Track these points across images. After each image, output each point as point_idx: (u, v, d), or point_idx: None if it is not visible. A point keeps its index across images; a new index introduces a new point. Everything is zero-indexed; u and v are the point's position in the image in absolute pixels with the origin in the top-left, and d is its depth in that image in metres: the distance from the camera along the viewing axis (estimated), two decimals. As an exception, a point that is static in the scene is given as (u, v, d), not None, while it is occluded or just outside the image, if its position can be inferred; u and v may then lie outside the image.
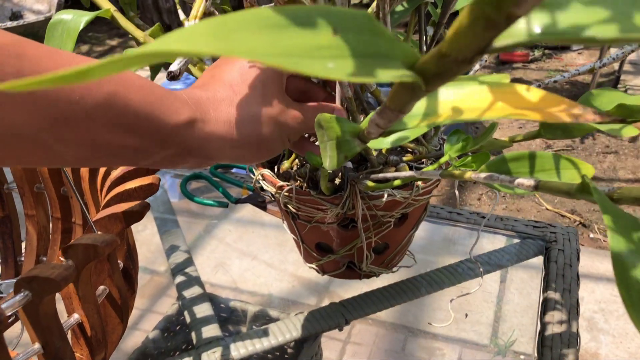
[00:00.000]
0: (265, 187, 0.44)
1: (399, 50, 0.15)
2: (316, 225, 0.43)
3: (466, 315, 1.12)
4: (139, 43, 0.43)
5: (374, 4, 0.37)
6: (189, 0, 0.36)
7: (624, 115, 0.28)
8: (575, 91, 2.27)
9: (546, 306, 0.45)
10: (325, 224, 0.43)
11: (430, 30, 0.45)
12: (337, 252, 0.45)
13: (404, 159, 0.42)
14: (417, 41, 0.43)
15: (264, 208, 0.59)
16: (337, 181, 0.42)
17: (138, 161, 0.26)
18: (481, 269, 0.48)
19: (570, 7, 0.13)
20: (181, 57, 0.32)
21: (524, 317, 1.20)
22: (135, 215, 0.33)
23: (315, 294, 1.25)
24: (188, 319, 0.48)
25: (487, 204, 1.64)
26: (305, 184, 0.42)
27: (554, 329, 0.42)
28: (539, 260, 0.55)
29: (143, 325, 1.14)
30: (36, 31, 2.37)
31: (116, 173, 0.38)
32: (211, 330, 0.46)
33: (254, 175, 0.44)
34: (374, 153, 0.42)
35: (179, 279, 0.53)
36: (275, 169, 0.46)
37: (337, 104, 0.35)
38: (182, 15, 0.47)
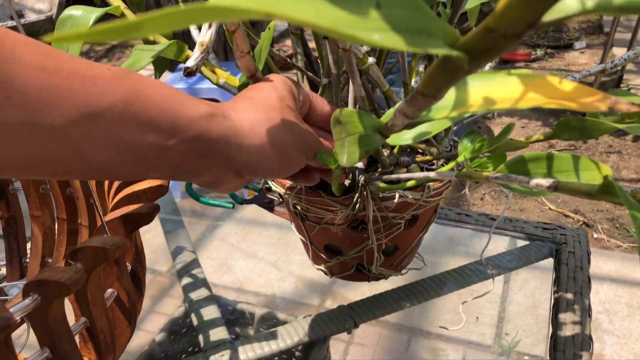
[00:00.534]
0: (274, 188, 0.43)
1: (440, 28, 0.14)
2: (325, 226, 0.43)
3: (477, 318, 1.11)
4: (147, 41, 0.43)
5: None
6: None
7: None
8: (578, 91, 2.26)
9: (558, 309, 0.44)
10: (335, 226, 0.42)
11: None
12: (346, 254, 0.45)
13: (415, 160, 0.42)
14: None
15: (270, 209, 0.58)
16: (347, 182, 0.41)
17: (162, 163, 0.25)
18: (493, 272, 0.48)
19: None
20: (200, 51, 0.31)
21: (527, 318, 1.20)
22: (145, 217, 0.32)
23: (319, 294, 1.24)
24: (195, 322, 0.47)
25: (490, 203, 1.64)
26: (314, 185, 0.42)
27: (566, 332, 0.41)
28: (543, 261, 0.54)
29: (145, 326, 1.14)
30: (37, 30, 2.36)
31: (124, 174, 0.37)
32: (219, 333, 0.46)
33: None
34: (385, 154, 0.42)
35: (185, 280, 0.53)
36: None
37: (350, 103, 0.34)
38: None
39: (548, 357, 0.41)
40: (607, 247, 1.44)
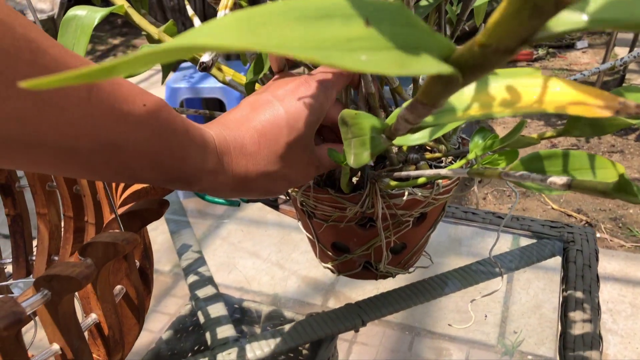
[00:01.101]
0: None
1: (434, 42, 0.14)
2: (333, 224, 0.43)
3: (485, 316, 1.11)
4: (151, 40, 0.42)
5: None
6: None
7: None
8: (580, 91, 2.26)
9: (566, 307, 0.44)
10: (343, 223, 0.42)
11: (447, 28, 0.44)
12: (354, 251, 0.45)
13: (424, 157, 0.42)
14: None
15: (276, 207, 0.58)
16: (356, 179, 0.41)
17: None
18: (501, 269, 0.48)
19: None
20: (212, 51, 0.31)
21: (531, 318, 1.19)
22: (154, 213, 0.32)
23: (322, 293, 1.24)
24: (202, 320, 0.47)
25: (492, 202, 1.64)
26: (322, 182, 0.42)
27: (575, 331, 0.41)
28: (546, 261, 0.54)
29: (148, 325, 1.14)
30: (39, 30, 2.36)
31: (132, 171, 0.37)
32: (226, 331, 0.45)
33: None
34: (394, 151, 0.41)
35: (191, 278, 0.53)
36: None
37: (361, 101, 0.34)
38: (190, 11, 0.46)
39: (557, 356, 0.40)
40: (610, 246, 1.44)
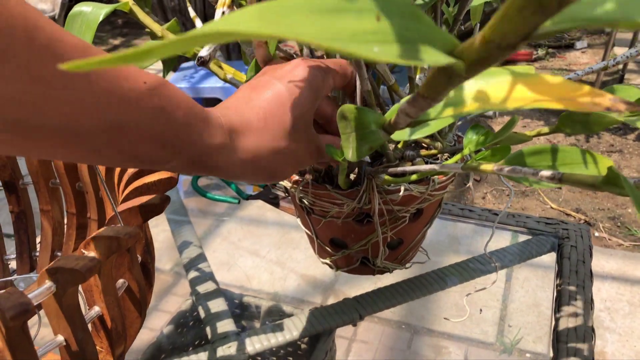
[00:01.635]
0: (279, 183, 0.44)
1: (438, 36, 0.15)
2: (331, 220, 0.44)
3: (480, 310, 1.12)
4: (155, 37, 0.43)
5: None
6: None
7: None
8: (579, 90, 2.26)
9: (560, 302, 0.45)
10: (341, 219, 0.43)
11: (443, 28, 0.45)
12: (351, 247, 0.46)
13: (420, 154, 0.42)
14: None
15: (275, 204, 0.59)
16: (353, 176, 0.42)
17: (155, 167, 0.27)
18: (497, 265, 0.48)
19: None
20: (214, 43, 0.32)
21: (530, 316, 1.20)
22: (156, 209, 0.33)
23: (321, 291, 1.25)
24: (202, 314, 0.48)
25: (491, 202, 1.64)
26: (320, 179, 0.43)
27: (568, 325, 0.42)
28: (545, 258, 0.55)
29: (148, 324, 1.15)
30: (40, 30, 2.37)
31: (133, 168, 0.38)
32: (226, 325, 0.46)
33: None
34: (390, 148, 0.42)
35: (192, 274, 0.54)
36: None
37: (358, 97, 0.35)
38: (192, 12, 0.47)
39: (551, 349, 0.41)
40: (609, 245, 1.45)
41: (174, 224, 0.63)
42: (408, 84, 0.42)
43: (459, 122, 0.45)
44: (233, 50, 2.11)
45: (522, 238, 0.57)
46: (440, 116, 0.22)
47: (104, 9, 0.38)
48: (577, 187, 0.24)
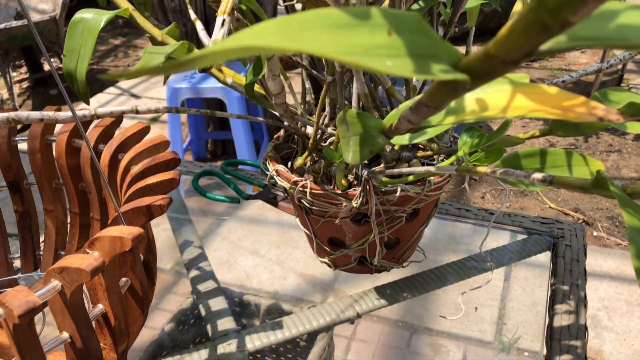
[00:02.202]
0: (279, 183, 0.45)
1: (444, 50, 0.16)
2: (329, 220, 0.44)
3: (476, 308, 1.12)
4: (154, 41, 0.44)
5: (386, 2, 0.38)
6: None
7: (635, 113, 0.29)
8: (579, 90, 2.27)
9: (554, 300, 0.46)
10: (339, 219, 0.44)
11: (440, 30, 0.46)
12: (349, 246, 0.46)
13: (416, 155, 0.43)
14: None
15: (275, 204, 0.60)
16: (351, 177, 0.43)
17: None
18: (491, 263, 0.49)
19: (617, 14, 0.14)
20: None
21: (528, 315, 1.21)
22: (158, 209, 0.34)
23: (320, 291, 1.26)
24: (203, 312, 0.49)
25: (490, 202, 1.65)
26: (319, 179, 0.43)
27: (562, 322, 0.43)
28: (543, 258, 0.56)
29: (150, 322, 1.15)
30: (41, 30, 2.38)
31: (136, 169, 0.39)
32: (226, 323, 0.47)
33: (268, 171, 0.45)
34: (387, 149, 0.43)
35: (193, 273, 0.54)
36: (289, 165, 0.47)
37: (354, 101, 0.36)
38: (192, 15, 0.48)
39: (544, 346, 0.42)
40: (607, 245, 1.45)
41: (175, 223, 0.64)
42: (405, 87, 0.43)
43: (455, 124, 0.46)
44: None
45: (521, 237, 0.58)
46: (442, 124, 0.23)
47: (105, 15, 0.39)
48: (567, 190, 0.24)
